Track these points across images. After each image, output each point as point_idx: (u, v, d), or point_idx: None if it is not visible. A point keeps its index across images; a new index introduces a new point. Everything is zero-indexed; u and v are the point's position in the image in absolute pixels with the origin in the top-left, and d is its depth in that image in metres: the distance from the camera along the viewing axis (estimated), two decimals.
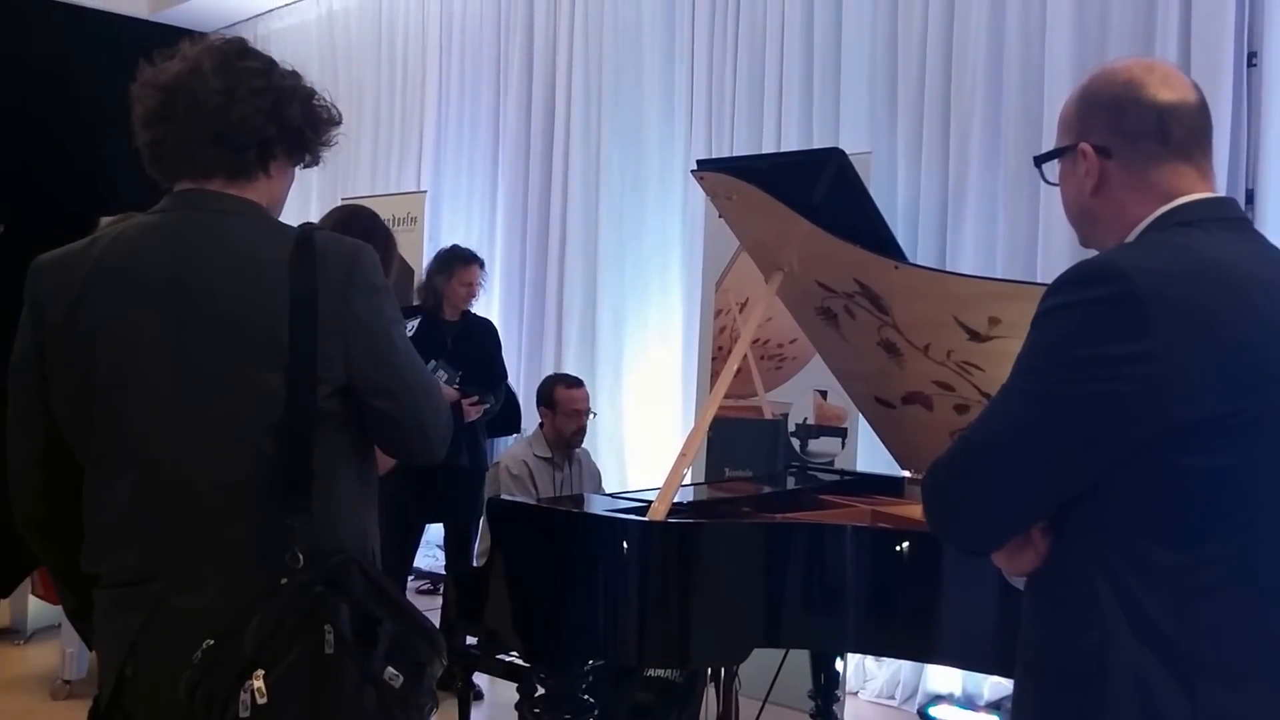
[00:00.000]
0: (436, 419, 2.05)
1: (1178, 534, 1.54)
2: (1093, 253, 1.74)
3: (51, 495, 1.99)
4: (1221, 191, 1.71)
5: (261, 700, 1.73)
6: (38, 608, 5.89)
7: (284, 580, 1.81)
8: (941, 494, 1.72)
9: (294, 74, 2.04)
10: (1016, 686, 1.73)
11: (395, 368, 1.97)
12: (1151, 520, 1.55)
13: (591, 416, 5.17)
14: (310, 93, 2.04)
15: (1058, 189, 1.80)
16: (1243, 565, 1.55)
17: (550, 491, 4.85)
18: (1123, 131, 1.68)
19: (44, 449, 1.97)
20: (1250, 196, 4.32)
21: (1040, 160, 1.82)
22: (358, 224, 2.91)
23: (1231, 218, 1.68)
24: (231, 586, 1.82)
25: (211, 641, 1.77)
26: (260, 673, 1.74)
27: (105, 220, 3.12)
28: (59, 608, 5.12)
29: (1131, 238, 1.68)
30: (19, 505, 2.03)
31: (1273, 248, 1.70)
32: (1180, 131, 1.67)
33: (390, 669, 1.86)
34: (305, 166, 2.10)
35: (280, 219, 2.08)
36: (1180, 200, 1.66)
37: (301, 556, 1.82)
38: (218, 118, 1.93)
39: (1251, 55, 4.41)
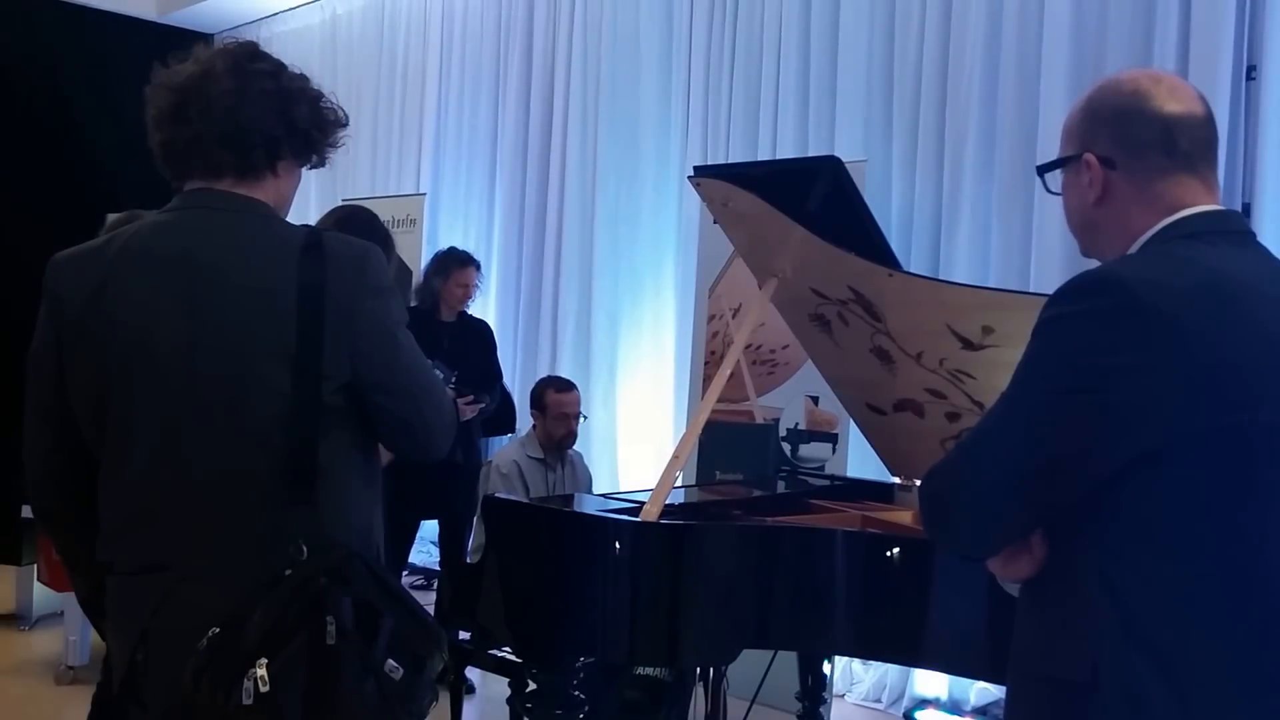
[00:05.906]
0: (439, 417, 2.09)
1: (1174, 544, 1.54)
2: (1089, 263, 1.73)
3: (67, 485, 2.03)
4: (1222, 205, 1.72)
5: (264, 688, 1.76)
6: (42, 594, 5.92)
7: (288, 571, 1.84)
8: (939, 499, 1.71)
9: (302, 76, 2.07)
10: (1009, 693, 1.73)
11: (399, 367, 2.01)
12: (1148, 530, 1.55)
13: (581, 420, 5.18)
14: (318, 95, 2.08)
15: (1057, 199, 1.79)
16: (1239, 577, 1.56)
17: (542, 491, 4.87)
18: (1128, 142, 1.67)
19: (60, 440, 2.00)
20: (1247, 210, 4.27)
21: (1043, 170, 1.80)
22: (356, 224, 2.93)
23: (1236, 231, 1.68)
24: (238, 576, 1.85)
25: (217, 630, 1.80)
26: (263, 661, 1.77)
27: (111, 217, 3.14)
28: (63, 595, 5.18)
29: (1134, 249, 1.67)
30: (35, 494, 2.07)
31: (1277, 261, 1.69)
32: (1186, 143, 1.66)
33: (391, 661, 1.89)
34: (312, 167, 2.13)
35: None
36: (1185, 212, 1.65)
37: (305, 548, 1.86)
38: (228, 118, 1.96)
39: (1251, 68, 4.37)
